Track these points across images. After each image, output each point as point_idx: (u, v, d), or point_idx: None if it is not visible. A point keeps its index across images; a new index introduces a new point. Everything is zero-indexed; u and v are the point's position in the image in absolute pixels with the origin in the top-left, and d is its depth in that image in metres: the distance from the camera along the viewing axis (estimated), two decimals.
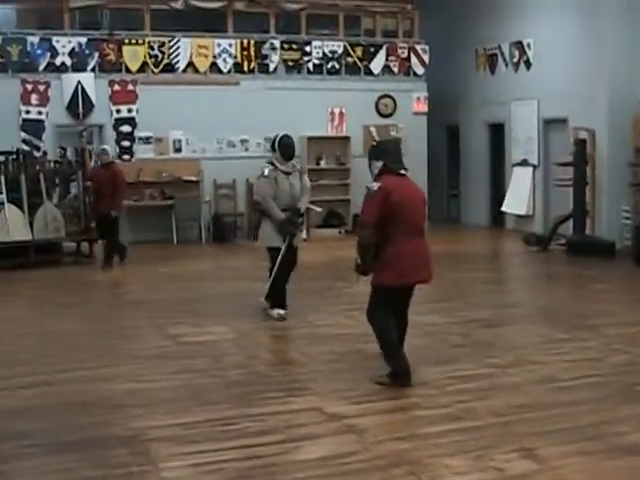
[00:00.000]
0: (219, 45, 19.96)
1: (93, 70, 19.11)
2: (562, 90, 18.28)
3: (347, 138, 20.84)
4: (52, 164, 16.74)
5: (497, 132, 21.52)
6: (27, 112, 18.59)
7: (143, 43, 19.44)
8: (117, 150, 19.11)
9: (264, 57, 20.33)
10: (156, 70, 19.55)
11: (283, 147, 10.56)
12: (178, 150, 19.78)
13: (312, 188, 11.17)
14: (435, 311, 10.96)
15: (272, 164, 10.56)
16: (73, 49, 18.90)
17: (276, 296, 10.62)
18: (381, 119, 21.30)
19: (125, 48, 19.33)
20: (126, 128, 19.35)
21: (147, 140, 19.54)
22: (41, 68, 18.73)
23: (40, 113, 18.67)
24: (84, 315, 11.24)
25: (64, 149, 17.80)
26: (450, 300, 11.98)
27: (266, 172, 10.48)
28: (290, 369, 8.50)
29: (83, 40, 19.03)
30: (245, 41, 20.17)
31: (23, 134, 18.37)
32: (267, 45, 20.35)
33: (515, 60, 20.43)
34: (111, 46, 19.23)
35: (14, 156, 16.00)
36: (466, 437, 6.26)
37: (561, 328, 10.01)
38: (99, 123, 19.42)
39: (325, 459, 5.88)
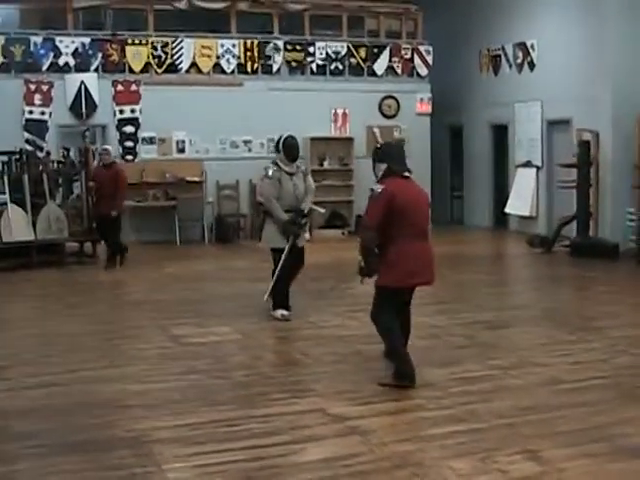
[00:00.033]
0: (222, 46, 19.98)
1: (96, 70, 19.15)
2: (566, 91, 18.28)
3: (350, 139, 20.86)
4: (55, 164, 16.74)
5: (500, 133, 21.53)
6: (30, 112, 18.62)
7: (146, 43, 19.46)
8: (120, 150, 19.16)
9: (267, 58, 20.35)
10: (159, 70, 19.56)
11: (287, 148, 10.55)
12: (181, 151, 19.80)
13: (315, 189, 11.14)
14: (439, 312, 10.95)
15: (276, 165, 10.55)
16: (76, 49, 18.93)
17: (279, 297, 10.60)
18: (384, 120, 21.31)
19: (128, 48, 19.35)
20: (129, 128, 19.37)
21: (150, 141, 19.54)
22: (44, 68, 18.78)
23: (43, 113, 18.69)
24: (87, 315, 11.22)
25: (67, 149, 17.83)
26: (454, 302, 11.99)
27: (270, 173, 10.48)
28: (294, 370, 8.46)
29: (86, 40, 19.06)
30: (248, 42, 20.18)
31: (26, 134, 18.40)
32: (270, 46, 20.35)
33: (519, 61, 20.43)
34: (114, 46, 19.25)
35: (17, 156, 16.02)
36: (470, 439, 6.23)
37: (565, 330, 9.98)
38: (102, 123, 19.45)
39: (329, 460, 5.86)
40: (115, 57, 19.26)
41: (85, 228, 16.22)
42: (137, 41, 19.43)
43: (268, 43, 20.38)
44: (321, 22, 21.59)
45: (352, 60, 21.06)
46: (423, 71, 21.67)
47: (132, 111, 19.39)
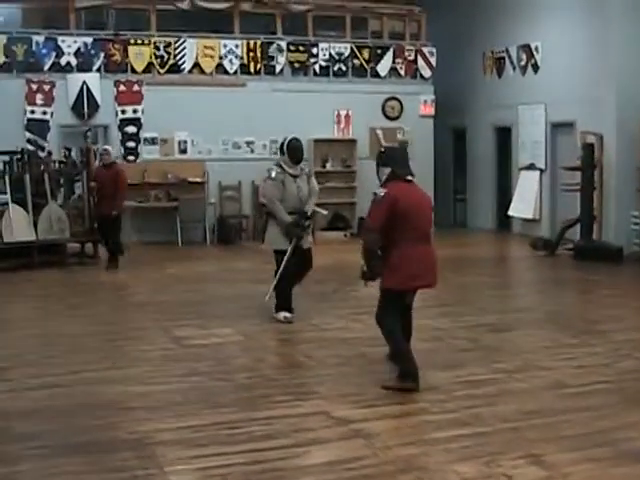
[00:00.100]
0: (225, 46, 19.95)
1: (98, 70, 19.11)
2: (570, 94, 18.25)
3: (353, 141, 20.84)
4: (57, 164, 16.71)
5: (504, 136, 21.50)
6: (32, 112, 18.58)
7: (149, 43, 19.43)
8: (122, 151, 19.12)
9: (270, 58, 20.32)
10: (162, 71, 19.53)
11: (292, 150, 10.54)
12: (183, 151, 19.76)
13: (319, 191, 11.12)
14: (442, 315, 10.94)
15: (280, 167, 10.54)
16: (78, 49, 18.90)
17: (282, 299, 10.58)
18: (387, 122, 21.28)
19: (131, 48, 19.32)
20: (131, 129, 19.34)
21: (152, 141, 19.51)
22: (46, 68, 18.74)
23: (45, 113, 18.66)
24: (89, 316, 11.19)
25: (69, 149, 17.75)
26: (457, 304, 11.97)
27: (273, 175, 10.48)
28: (297, 372, 8.45)
29: (89, 40, 19.02)
30: (251, 42, 20.15)
31: (28, 134, 18.36)
32: (273, 46, 20.31)
33: (523, 63, 20.40)
34: (117, 46, 19.21)
35: (19, 156, 15.98)
36: (474, 443, 6.21)
37: (569, 333, 9.96)
38: (104, 124, 19.41)
39: (332, 464, 5.85)
40: (117, 57, 19.22)
41: (86, 228, 16.17)
42: (139, 41, 19.39)
43: (271, 44, 20.35)
44: (324, 23, 21.57)
45: (355, 61, 21.02)
46: (426, 73, 21.64)
47: (134, 111, 19.36)
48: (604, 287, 13.75)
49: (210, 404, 7.16)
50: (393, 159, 7.89)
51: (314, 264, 10.81)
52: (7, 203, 15.27)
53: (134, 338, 9.90)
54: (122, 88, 19.22)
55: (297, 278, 10.77)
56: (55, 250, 15.70)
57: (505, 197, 21.37)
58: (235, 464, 5.81)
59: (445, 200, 22.84)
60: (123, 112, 19.27)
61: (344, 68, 20.94)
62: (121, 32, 19.43)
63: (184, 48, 19.62)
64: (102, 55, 19.09)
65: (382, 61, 21.24)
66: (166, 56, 19.52)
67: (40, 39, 18.69)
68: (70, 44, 18.84)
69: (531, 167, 20.02)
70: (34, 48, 18.62)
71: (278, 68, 20.43)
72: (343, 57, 20.85)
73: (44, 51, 18.69)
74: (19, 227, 15.21)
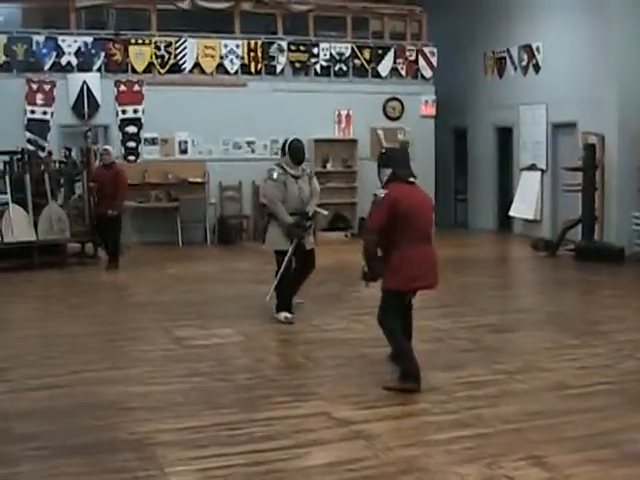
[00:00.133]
0: (226, 46, 19.93)
1: (99, 70, 19.10)
2: (571, 94, 18.22)
3: (354, 141, 20.82)
4: (57, 164, 16.69)
5: (505, 136, 21.48)
6: (32, 112, 18.57)
7: (149, 43, 19.41)
8: (122, 151, 19.10)
9: (271, 58, 20.30)
10: (162, 71, 19.52)
11: (293, 151, 10.57)
12: (184, 151, 19.75)
13: (320, 192, 11.13)
14: (443, 316, 10.92)
15: (281, 167, 10.54)
16: (79, 49, 18.88)
17: (283, 299, 10.57)
18: (388, 122, 21.26)
19: (131, 48, 19.30)
20: (132, 129, 19.32)
21: (153, 141, 19.49)
22: (46, 68, 18.72)
23: (45, 113, 18.65)
24: (89, 317, 11.18)
25: (69, 149, 17.76)
26: (458, 305, 11.95)
27: (275, 176, 10.48)
28: (297, 373, 8.43)
29: (89, 40, 19.00)
30: (252, 42, 20.13)
31: (28, 134, 18.34)
32: (274, 46, 20.30)
33: (524, 64, 20.38)
34: (117, 46, 19.20)
35: (19, 156, 15.96)
36: (476, 444, 6.19)
37: (570, 334, 9.93)
38: (104, 124, 19.40)
39: (333, 465, 5.83)
40: (118, 57, 19.20)
41: (87, 228, 16.15)
42: (140, 41, 19.38)
43: (272, 44, 20.33)
44: (325, 23, 21.54)
45: (356, 61, 21.00)
46: (428, 73, 21.62)
47: (135, 111, 19.34)
48: (605, 288, 13.74)
49: (211, 405, 7.14)
50: (394, 160, 7.90)
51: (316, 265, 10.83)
52: (7, 203, 15.23)
53: (134, 338, 9.88)
54: (122, 88, 19.21)
55: (300, 279, 10.78)
56: (55, 250, 15.67)
57: (506, 197, 21.35)
58: (235, 465, 5.79)
59: (446, 200, 22.84)
60: (123, 112, 19.25)
61: (345, 68, 20.92)
62: (122, 32, 19.41)
63: (185, 48, 19.60)
64: (102, 55, 19.07)
65: (383, 61, 21.23)
66: (167, 56, 19.50)
67: (40, 39, 18.67)
68: (70, 44, 18.83)
69: (532, 167, 20.00)
70: (34, 48, 18.60)
71: (279, 68, 20.42)
72: (344, 57, 20.83)
73: (44, 51, 18.67)
74: (19, 227, 15.18)
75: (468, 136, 23.07)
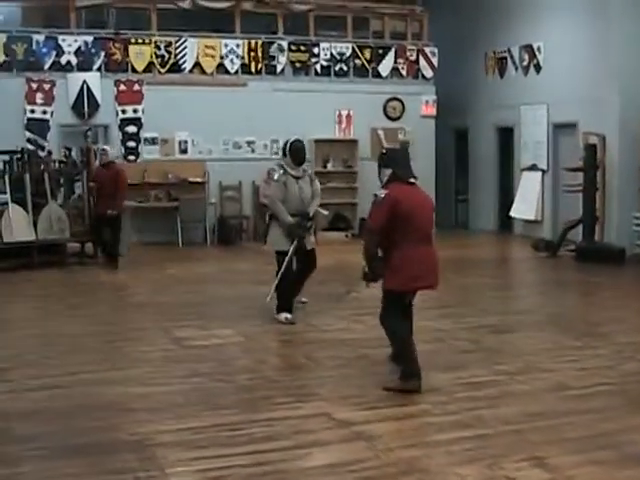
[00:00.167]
0: (226, 46, 19.91)
1: (99, 69, 19.08)
2: (572, 94, 18.20)
3: (354, 141, 20.80)
4: (57, 164, 16.67)
5: (506, 136, 21.47)
6: (32, 111, 18.55)
7: (149, 43, 19.39)
8: (122, 151, 19.08)
9: (271, 58, 20.29)
10: (162, 70, 19.50)
11: (294, 152, 10.59)
12: (184, 151, 19.73)
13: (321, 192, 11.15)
14: (444, 317, 10.91)
15: (282, 168, 10.56)
16: (79, 48, 18.86)
17: (283, 300, 10.56)
18: (389, 122, 21.24)
19: (131, 48, 19.29)
20: (132, 129, 19.31)
21: (153, 141, 19.48)
22: (46, 67, 18.70)
23: (45, 112, 18.63)
24: (89, 317, 11.16)
25: (69, 149, 17.72)
26: (458, 305, 11.94)
27: (276, 176, 10.52)
28: (298, 374, 8.42)
29: (89, 39, 18.98)
30: (252, 42, 20.12)
31: (28, 133, 18.33)
32: (275, 46, 20.28)
33: (525, 64, 20.37)
34: (117, 45, 19.18)
35: (18, 155, 15.94)
36: (476, 445, 6.18)
37: (571, 335, 9.93)
38: (104, 123, 19.38)
39: (334, 466, 5.82)
40: (118, 56, 19.18)
41: (87, 228, 16.12)
42: (140, 40, 19.36)
43: (272, 43, 20.32)
44: (326, 23, 21.52)
45: (357, 61, 20.98)
46: (428, 73, 21.60)
47: (135, 111, 19.33)
48: (606, 289, 13.75)
49: (211, 405, 7.13)
50: (394, 161, 7.89)
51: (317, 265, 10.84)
52: (7, 203, 15.22)
53: (134, 339, 9.86)
54: (122, 87, 19.19)
55: (301, 279, 10.81)
56: (55, 250, 15.67)
57: (507, 198, 21.34)
58: (236, 466, 5.78)
59: (446, 201, 22.83)
60: (123, 112, 19.24)
61: (345, 68, 20.90)
62: (122, 31, 19.39)
63: (185, 47, 19.58)
64: (102, 54, 19.05)
65: (384, 61, 21.21)
66: (167, 55, 19.48)
67: (40, 38, 18.65)
68: (70, 43, 18.81)
69: (533, 168, 19.99)
70: (34, 47, 18.58)
71: (279, 68, 20.40)
72: (344, 57, 20.81)
73: (44, 50, 18.65)
74: (19, 227, 15.17)
75: (469, 136, 23.05)
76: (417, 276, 7.54)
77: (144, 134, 19.36)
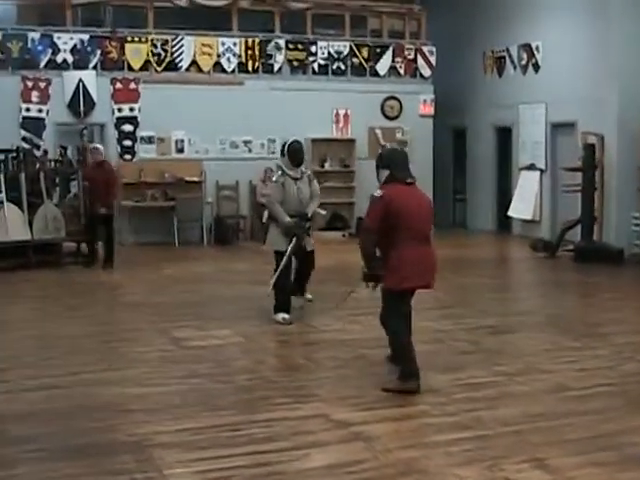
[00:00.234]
0: (223, 44, 19.86)
1: (95, 68, 19.01)
2: (571, 94, 18.18)
3: (352, 140, 20.77)
4: (52, 163, 16.65)
5: (504, 136, 21.46)
6: (27, 110, 18.48)
7: (146, 41, 19.33)
8: (118, 150, 19.03)
9: (269, 57, 20.24)
10: (159, 69, 19.44)
11: (292, 152, 10.61)
12: (180, 150, 19.67)
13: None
14: (442, 317, 10.90)
15: (280, 169, 10.60)
16: (75, 46, 18.79)
17: (281, 300, 10.54)
18: (387, 121, 21.22)
19: (128, 46, 19.23)
20: (128, 127, 19.24)
21: (149, 140, 19.42)
22: (42, 65, 18.63)
23: (40, 111, 18.56)
24: (87, 317, 11.14)
25: (65, 148, 17.70)
26: (457, 306, 11.92)
27: (274, 178, 10.52)
28: (296, 375, 8.39)
29: (85, 37, 18.92)
30: (250, 40, 20.07)
31: (23, 132, 18.26)
32: (272, 44, 20.24)
33: (523, 63, 20.35)
34: (113, 44, 19.11)
35: (14, 154, 15.91)
36: (476, 446, 6.17)
37: (570, 336, 9.91)
38: (100, 122, 19.32)
39: (333, 467, 5.81)
40: (114, 54, 19.13)
41: (82, 228, 16.07)
42: (136, 38, 19.30)
43: (269, 42, 20.27)
44: (323, 21, 21.50)
45: (354, 60, 20.94)
46: (426, 72, 21.57)
47: (131, 110, 19.27)
48: (605, 289, 13.76)
49: (209, 406, 7.12)
50: (392, 161, 7.89)
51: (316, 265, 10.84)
52: (2, 202, 15.19)
53: (132, 339, 9.84)
54: (119, 86, 19.13)
55: (300, 280, 10.82)
56: (50, 250, 15.62)
57: (505, 198, 21.32)
58: (235, 467, 5.77)
59: (445, 200, 22.78)
60: (120, 110, 19.17)
61: (343, 67, 20.87)
62: (118, 29, 19.32)
63: (181, 46, 19.53)
64: (98, 52, 18.98)
65: (381, 60, 21.18)
66: (163, 54, 19.43)
67: (36, 36, 18.58)
68: (66, 41, 18.74)
69: (531, 167, 19.97)
70: (30, 45, 18.51)
71: (276, 66, 20.35)
72: (342, 56, 20.78)
73: (40, 48, 18.58)
74: (14, 226, 15.13)
75: (467, 136, 23.03)
76: (414, 275, 7.52)
77: (140, 133, 19.30)
